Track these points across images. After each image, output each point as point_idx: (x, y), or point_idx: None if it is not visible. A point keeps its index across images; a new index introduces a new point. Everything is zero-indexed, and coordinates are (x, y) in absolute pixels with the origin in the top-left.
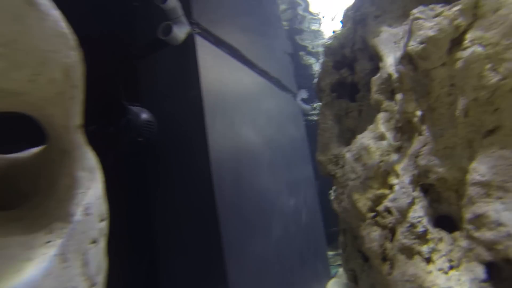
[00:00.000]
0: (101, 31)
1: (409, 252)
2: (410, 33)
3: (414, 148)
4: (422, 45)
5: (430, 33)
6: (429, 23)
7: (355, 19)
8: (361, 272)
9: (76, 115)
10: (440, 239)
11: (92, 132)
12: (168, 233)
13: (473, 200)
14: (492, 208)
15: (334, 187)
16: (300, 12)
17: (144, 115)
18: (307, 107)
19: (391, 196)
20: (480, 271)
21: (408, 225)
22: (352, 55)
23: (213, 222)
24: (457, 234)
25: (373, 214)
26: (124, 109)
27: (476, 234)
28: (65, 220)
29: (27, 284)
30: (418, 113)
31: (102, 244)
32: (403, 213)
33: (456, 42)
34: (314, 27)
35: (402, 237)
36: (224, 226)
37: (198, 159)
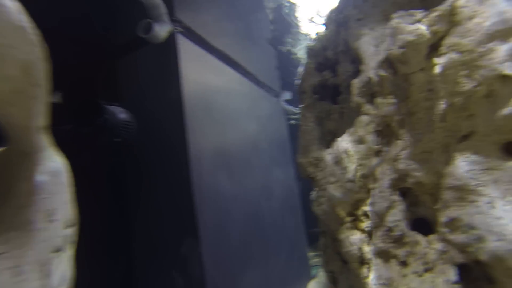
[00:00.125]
0: (78, 27)
1: (386, 256)
2: (390, 37)
3: (393, 152)
4: (402, 50)
5: (410, 37)
6: (408, 28)
7: (338, 22)
8: (340, 274)
9: (39, 115)
10: (416, 242)
11: (67, 132)
12: (146, 235)
13: (447, 204)
14: (465, 212)
15: (314, 190)
16: (287, 11)
17: (122, 115)
18: (290, 108)
19: (369, 200)
20: (452, 273)
21: (385, 229)
22: (334, 57)
23: (191, 224)
24: (432, 237)
25: (351, 217)
26: (101, 108)
27: (450, 237)
28: (23, 228)
29: None
30: (397, 117)
31: (68, 252)
32: (381, 217)
33: (434, 48)
34: (299, 29)
35: (379, 240)
36: (203, 227)
37: (178, 160)
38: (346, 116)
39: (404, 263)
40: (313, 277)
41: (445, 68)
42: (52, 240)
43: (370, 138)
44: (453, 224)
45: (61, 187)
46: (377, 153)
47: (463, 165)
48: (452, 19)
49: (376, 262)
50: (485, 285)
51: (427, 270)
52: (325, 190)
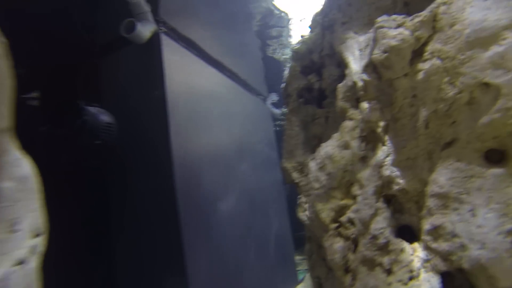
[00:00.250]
0: (56, 24)
1: (371, 264)
2: (374, 42)
3: (378, 158)
4: (385, 54)
5: (393, 42)
6: (392, 32)
7: (323, 25)
8: (326, 280)
9: (2, 117)
10: (401, 250)
11: (43, 133)
12: (128, 238)
13: (431, 212)
14: (448, 220)
15: (299, 195)
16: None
17: (103, 117)
18: (277, 111)
19: (354, 207)
20: (435, 282)
21: (370, 236)
22: (320, 61)
23: (174, 227)
24: (417, 244)
25: (336, 225)
26: (80, 109)
27: (434, 245)
28: None
29: None
30: (382, 123)
31: (33, 264)
32: (366, 224)
33: (418, 54)
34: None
35: (364, 248)
36: (186, 231)
37: (160, 162)
38: (331, 120)
39: (389, 271)
40: (300, 281)
41: (428, 74)
42: (14, 252)
43: (355, 143)
44: (437, 232)
45: (28, 193)
46: (362, 159)
47: (446, 172)
48: (434, 25)
49: (361, 270)
50: None
51: (411, 278)
52: (309, 196)
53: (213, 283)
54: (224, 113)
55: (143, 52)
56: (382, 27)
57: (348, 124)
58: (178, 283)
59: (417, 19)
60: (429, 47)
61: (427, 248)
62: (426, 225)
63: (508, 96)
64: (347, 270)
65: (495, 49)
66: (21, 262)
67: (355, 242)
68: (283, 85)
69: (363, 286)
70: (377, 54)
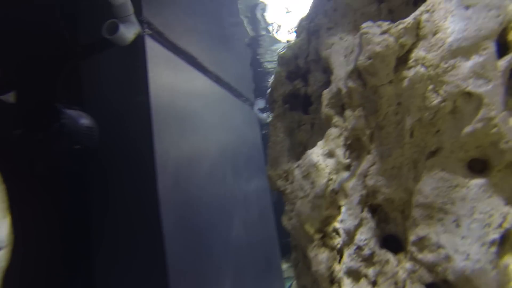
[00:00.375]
0: (34, 21)
1: (356, 275)
2: (359, 48)
3: (363, 167)
4: (370, 60)
5: (378, 48)
6: (377, 38)
7: (309, 30)
8: None
9: None
10: (387, 261)
11: (18, 137)
12: (108, 248)
13: (416, 222)
14: (433, 231)
15: (284, 204)
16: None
17: (84, 120)
18: (264, 117)
19: (339, 217)
20: None
21: (355, 247)
22: (306, 66)
23: (156, 235)
24: (402, 255)
25: (321, 235)
26: (58, 112)
27: (419, 256)
28: None
29: None
30: (367, 131)
31: None
32: (351, 235)
33: (402, 61)
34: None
35: (349, 259)
36: (169, 238)
37: (143, 169)
38: (317, 127)
39: (374, 283)
40: None
41: (413, 82)
42: None
43: (340, 151)
44: (422, 243)
45: None
46: (347, 167)
47: (430, 182)
48: (418, 32)
49: (346, 282)
50: None
51: None
52: (294, 204)
53: None
54: (210, 117)
55: (126, 55)
56: (367, 33)
57: (333, 131)
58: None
59: (401, 26)
60: (413, 54)
61: (412, 259)
62: (412, 235)
63: (489, 106)
64: (332, 281)
65: (476, 59)
66: None
67: (340, 253)
68: (268, 90)
69: None
70: (362, 60)
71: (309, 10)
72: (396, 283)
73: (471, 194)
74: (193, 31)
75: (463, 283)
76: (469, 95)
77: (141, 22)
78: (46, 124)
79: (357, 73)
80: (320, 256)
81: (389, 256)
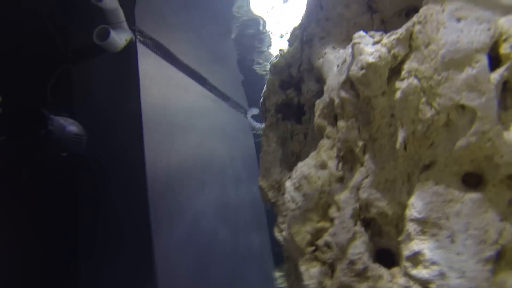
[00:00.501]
0: (23, 23)
1: None
2: (352, 57)
3: (356, 179)
4: (363, 71)
5: (370, 59)
6: (369, 49)
7: (302, 39)
8: None
9: None
10: (380, 276)
11: (1, 143)
12: (97, 255)
13: (410, 237)
14: (427, 246)
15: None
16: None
17: (72, 127)
18: (257, 125)
19: (331, 230)
20: None
21: (347, 262)
22: (299, 75)
23: (146, 243)
24: (396, 270)
25: (312, 248)
26: (45, 118)
27: (413, 272)
28: None
29: None
30: (360, 142)
31: None
32: (343, 249)
33: (395, 72)
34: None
35: (341, 274)
36: (159, 247)
37: (134, 176)
38: (310, 137)
39: None
40: None
41: (406, 93)
42: None
43: (332, 163)
44: (416, 258)
45: None
46: (340, 179)
47: (424, 196)
48: (411, 44)
49: None
50: None
51: None
52: (286, 216)
53: None
54: (203, 125)
55: (118, 61)
56: (359, 43)
57: (325, 142)
58: None
59: (393, 37)
60: (406, 66)
61: (406, 274)
62: (405, 250)
63: (483, 119)
64: None
65: (469, 71)
66: None
67: (332, 267)
68: (261, 99)
69: None
70: (355, 71)
71: (302, 19)
72: None
73: (466, 209)
74: (185, 37)
75: None
76: (462, 108)
77: (133, 29)
78: (32, 130)
79: (349, 84)
80: (312, 270)
81: (383, 271)
